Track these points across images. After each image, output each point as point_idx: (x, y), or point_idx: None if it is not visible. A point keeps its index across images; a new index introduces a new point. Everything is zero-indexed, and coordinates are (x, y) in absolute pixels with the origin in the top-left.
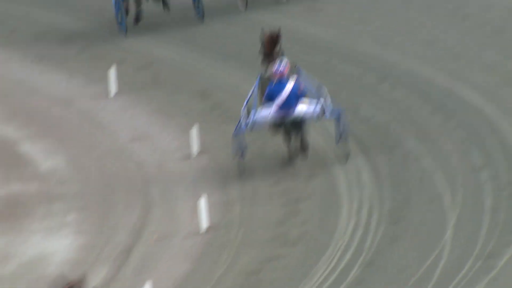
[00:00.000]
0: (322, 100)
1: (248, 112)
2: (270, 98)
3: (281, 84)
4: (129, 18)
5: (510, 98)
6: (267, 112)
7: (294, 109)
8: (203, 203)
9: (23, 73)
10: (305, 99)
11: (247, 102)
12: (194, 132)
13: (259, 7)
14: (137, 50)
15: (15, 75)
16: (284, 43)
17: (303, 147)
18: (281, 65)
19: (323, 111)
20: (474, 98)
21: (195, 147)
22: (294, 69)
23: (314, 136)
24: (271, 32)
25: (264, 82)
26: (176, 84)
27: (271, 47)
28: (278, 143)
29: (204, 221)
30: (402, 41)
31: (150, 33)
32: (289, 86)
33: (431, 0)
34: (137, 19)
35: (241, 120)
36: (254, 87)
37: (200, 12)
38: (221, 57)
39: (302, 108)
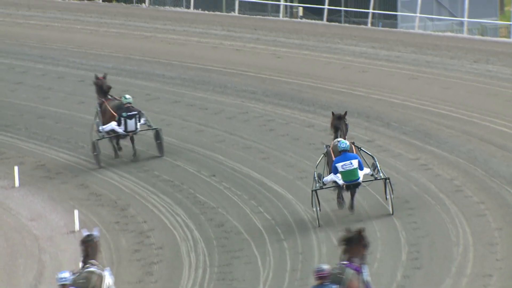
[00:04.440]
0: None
1: (319, 177)
2: (335, 170)
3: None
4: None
5: (303, 189)
6: (336, 178)
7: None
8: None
9: None
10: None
11: (316, 167)
12: (76, 213)
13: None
14: (34, 153)
15: None
16: None
17: (352, 203)
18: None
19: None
20: (278, 188)
21: (77, 224)
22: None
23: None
24: (337, 114)
25: (327, 152)
26: (63, 178)
27: (334, 124)
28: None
29: None
30: (227, 146)
31: (43, 138)
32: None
33: (246, 116)
34: None
35: (315, 179)
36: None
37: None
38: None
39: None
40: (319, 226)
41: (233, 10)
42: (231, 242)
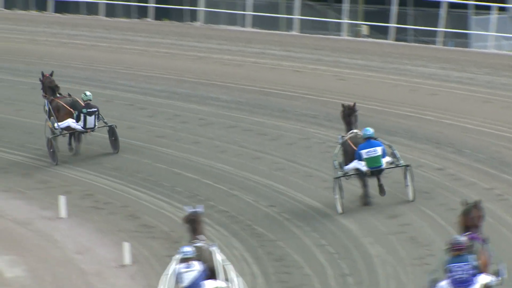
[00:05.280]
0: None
1: (340, 165)
2: (359, 157)
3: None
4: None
5: (369, 220)
6: (359, 165)
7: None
8: None
9: None
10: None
11: (335, 156)
12: (127, 246)
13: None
14: (81, 182)
15: None
16: None
17: (382, 188)
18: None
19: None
20: (342, 218)
21: (127, 258)
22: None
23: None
24: (347, 105)
25: (344, 143)
26: (112, 208)
27: (346, 115)
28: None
29: None
30: (286, 174)
31: (90, 166)
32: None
33: (307, 142)
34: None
35: (336, 168)
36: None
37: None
38: (148, 184)
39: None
40: (341, 213)
41: (293, 28)
42: (292, 278)
